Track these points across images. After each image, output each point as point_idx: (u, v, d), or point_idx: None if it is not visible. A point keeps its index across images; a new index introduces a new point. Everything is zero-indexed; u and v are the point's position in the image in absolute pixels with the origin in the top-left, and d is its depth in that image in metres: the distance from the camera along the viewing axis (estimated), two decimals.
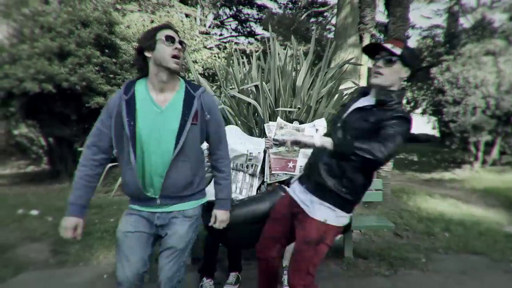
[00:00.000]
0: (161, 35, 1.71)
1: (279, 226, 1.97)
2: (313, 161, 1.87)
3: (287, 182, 3.14)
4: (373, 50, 1.79)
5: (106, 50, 7.42)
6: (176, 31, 1.80)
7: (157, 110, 1.73)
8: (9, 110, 7.32)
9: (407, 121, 1.67)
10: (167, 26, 1.77)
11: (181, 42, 1.76)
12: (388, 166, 5.14)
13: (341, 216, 1.81)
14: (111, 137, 1.73)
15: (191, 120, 1.73)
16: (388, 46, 1.72)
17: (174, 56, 1.71)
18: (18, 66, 6.42)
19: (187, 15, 13.25)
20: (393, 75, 1.75)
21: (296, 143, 1.67)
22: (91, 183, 1.81)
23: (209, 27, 17.93)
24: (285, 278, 2.99)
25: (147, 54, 1.72)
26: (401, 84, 1.80)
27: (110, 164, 6.23)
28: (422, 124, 29.35)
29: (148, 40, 1.71)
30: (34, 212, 5.05)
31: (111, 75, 7.16)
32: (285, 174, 3.17)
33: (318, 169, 1.81)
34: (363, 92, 1.91)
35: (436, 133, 14.49)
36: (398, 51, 1.70)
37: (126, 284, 1.76)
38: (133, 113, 1.69)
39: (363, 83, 8.28)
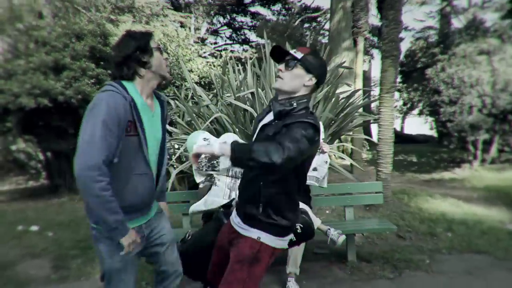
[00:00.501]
0: (153, 43, 1.72)
1: (222, 254, 1.87)
2: (239, 190, 1.84)
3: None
4: (279, 56, 1.72)
5: (101, 62, 7.42)
6: None
7: (150, 114, 1.74)
8: (5, 126, 7.29)
9: (312, 126, 1.55)
10: (153, 34, 1.77)
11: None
12: (388, 168, 5.14)
13: (277, 239, 1.71)
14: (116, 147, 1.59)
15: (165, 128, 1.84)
16: (291, 50, 1.67)
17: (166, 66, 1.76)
18: (13, 81, 6.40)
19: (182, 25, 13.32)
20: (294, 80, 1.65)
21: (198, 156, 1.58)
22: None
23: (204, 36, 18.01)
24: (289, 285, 2.97)
25: (144, 59, 1.68)
26: (308, 94, 1.70)
27: None
28: (420, 125, 29.48)
29: (144, 45, 1.68)
30: (34, 228, 5.01)
31: None
32: None
33: (240, 196, 1.80)
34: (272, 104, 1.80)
35: (433, 133, 14.54)
36: (299, 55, 1.63)
37: None
38: (140, 117, 1.65)
39: (359, 85, 8.32)
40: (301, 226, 2.38)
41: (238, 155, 1.46)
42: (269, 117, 1.73)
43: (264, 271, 1.72)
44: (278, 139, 1.51)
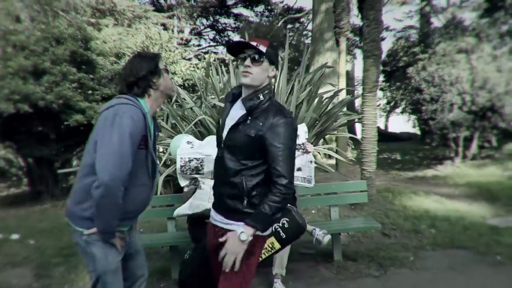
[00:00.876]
0: (161, 65, 1.86)
1: (217, 257, 1.84)
2: (214, 185, 1.84)
3: None
4: (237, 50, 1.74)
5: (83, 66, 7.31)
6: None
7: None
8: None
9: (292, 122, 1.65)
10: (161, 56, 1.92)
11: None
12: (372, 166, 5.19)
13: None
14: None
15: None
16: (254, 43, 1.67)
17: None
18: None
19: (164, 28, 13.21)
20: (262, 74, 1.70)
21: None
22: None
23: (187, 38, 17.92)
24: (275, 286, 2.97)
25: (154, 80, 1.80)
26: (269, 84, 1.76)
27: None
28: (403, 123, 29.91)
29: (154, 68, 1.81)
30: (15, 236, 4.89)
31: (89, 91, 7.05)
32: None
33: (220, 194, 1.78)
34: (232, 99, 1.84)
35: (417, 131, 14.77)
36: (263, 49, 1.67)
37: None
38: (150, 132, 1.81)
39: (342, 85, 8.40)
40: (287, 220, 2.36)
41: (264, 224, 1.65)
42: (236, 113, 1.74)
43: (258, 260, 1.80)
44: (275, 165, 1.61)
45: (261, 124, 1.63)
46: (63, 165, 8.01)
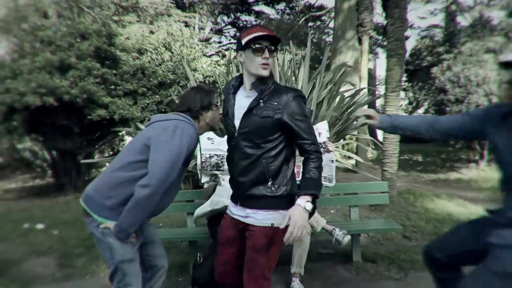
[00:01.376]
0: (214, 100, 2.05)
1: (230, 248, 1.88)
2: (233, 176, 1.84)
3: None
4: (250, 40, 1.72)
5: (106, 62, 7.44)
6: None
7: None
8: (12, 125, 7.35)
9: (303, 97, 1.74)
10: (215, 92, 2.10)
11: None
12: (393, 168, 5.10)
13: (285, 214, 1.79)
14: None
15: None
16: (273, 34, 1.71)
17: None
18: (19, 80, 6.45)
19: (186, 25, 13.31)
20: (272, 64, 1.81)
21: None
22: None
23: (208, 35, 18.03)
24: (293, 285, 2.96)
25: (203, 113, 2.02)
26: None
27: None
28: None
29: (207, 104, 2.01)
30: (40, 226, 5.04)
31: (111, 87, 7.18)
32: None
33: (241, 183, 1.78)
34: (234, 91, 1.85)
35: None
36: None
37: None
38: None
39: (364, 84, 8.28)
40: None
41: (319, 190, 1.70)
42: (243, 102, 1.77)
43: (281, 248, 1.82)
44: (303, 137, 1.69)
45: (276, 103, 1.68)
46: (85, 158, 8.20)
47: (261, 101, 1.70)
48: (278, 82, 4.31)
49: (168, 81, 7.70)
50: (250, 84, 1.76)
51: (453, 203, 5.59)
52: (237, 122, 1.76)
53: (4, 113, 6.76)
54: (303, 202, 1.62)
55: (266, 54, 1.68)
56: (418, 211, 5.00)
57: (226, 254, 1.89)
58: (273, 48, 1.71)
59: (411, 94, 15.57)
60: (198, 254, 2.60)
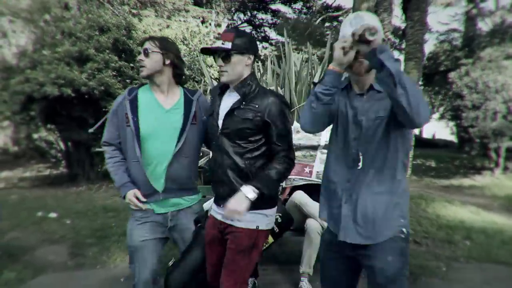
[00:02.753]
0: None
1: (215, 250, 1.88)
2: (217, 177, 1.83)
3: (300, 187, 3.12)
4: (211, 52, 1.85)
5: (123, 55, 7.52)
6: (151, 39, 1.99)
7: (160, 108, 1.97)
8: (29, 115, 7.48)
9: (285, 103, 1.77)
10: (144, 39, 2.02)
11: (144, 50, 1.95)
12: (406, 172, 5.04)
13: (270, 215, 1.83)
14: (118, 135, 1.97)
15: (191, 120, 1.95)
16: (218, 44, 1.74)
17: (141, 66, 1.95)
18: (38, 70, 6.56)
19: (203, 21, 13.36)
20: (237, 67, 1.75)
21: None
22: (123, 165, 1.98)
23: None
24: (302, 285, 2.96)
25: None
26: (252, 70, 1.84)
27: None
28: (439, 129, 28.83)
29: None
30: (53, 215, 5.13)
31: (127, 80, 7.25)
32: (301, 179, 3.14)
33: (224, 183, 1.79)
34: (220, 92, 1.90)
35: (453, 138, 14.22)
36: (228, 45, 1.71)
37: (142, 286, 1.95)
38: (136, 111, 1.92)
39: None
40: (280, 215, 2.51)
41: (268, 189, 1.72)
42: (228, 103, 1.80)
43: (259, 253, 1.86)
44: (278, 141, 1.75)
45: (257, 106, 1.72)
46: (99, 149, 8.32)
47: (243, 102, 1.74)
48: (293, 82, 4.30)
49: (184, 76, 7.74)
50: (233, 86, 1.81)
51: (465, 210, 5.51)
52: (220, 122, 1.80)
53: (22, 102, 6.88)
54: (247, 190, 1.66)
55: (219, 62, 1.75)
56: (430, 217, 4.94)
57: (215, 253, 1.89)
58: (224, 55, 1.73)
59: (427, 99, 15.36)
60: (172, 258, 2.50)
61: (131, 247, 1.96)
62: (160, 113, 1.94)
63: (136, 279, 1.96)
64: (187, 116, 1.96)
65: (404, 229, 1.58)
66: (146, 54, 1.91)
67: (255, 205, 1.71)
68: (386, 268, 1.55)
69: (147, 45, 1.93)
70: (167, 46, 1.96)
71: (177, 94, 2.03)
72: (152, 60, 1.92)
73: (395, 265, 1.55)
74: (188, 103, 2.00)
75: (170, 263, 2.37)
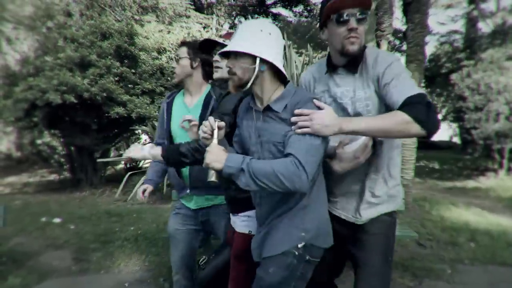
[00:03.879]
0: None
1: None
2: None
3: None
4: (209, 46, 1.97)
5: (126, 61, 7.55)
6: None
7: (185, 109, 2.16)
8: (32, 121, 7.51)
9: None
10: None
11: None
12: (409, 174, 5.03)
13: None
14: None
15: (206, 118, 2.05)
16: (220, 40, 1.92)
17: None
18: (41, 77, 6.59)
19: (204, 26, 13.42)
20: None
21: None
22: (158, 164, 2.25)
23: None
24: None
25: None
26: None
27: (130, 172, 6.24)
28: (441, 131, 28.75)
29: None
30: (57, 220, 5.14)
31: (130, 85, 7.28)
32: None
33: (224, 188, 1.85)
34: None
35: (457, 140, 14.17)
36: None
37: (175, 270, 2.21)
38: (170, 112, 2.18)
39: None
40: None
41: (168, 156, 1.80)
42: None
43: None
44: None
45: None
46: (102, 155, 8.34)
47: None
48: (295, 85, 4.30)
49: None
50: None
51: (470, 212, 5.49)
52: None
53: (25, 109, 6.92)
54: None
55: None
56: (434, 219, 4.93)
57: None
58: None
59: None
60: (203, 257, 2.52)
61: (168, 233, 2.24)
62: (184, 112, 2.08)
63: (171, 261, 2.23)
64: (203, 114, 2.06)
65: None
66: (177, 60, 2.10)
67: (241, 208, 1.74)
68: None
69: (178, 51, 2.10)
70: (194, 49, 2.08)
71: (202, 92, 2.15)
72: (181, 66, 2.08)
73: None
74: (207, 101, 2.10)
75: (201, 261, 2.45)
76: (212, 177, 1.42)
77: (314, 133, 1.35)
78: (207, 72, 2.13)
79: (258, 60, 1.40)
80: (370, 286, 1.61)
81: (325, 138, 1.39)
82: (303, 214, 1.48)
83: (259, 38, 1.43)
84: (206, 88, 2.17)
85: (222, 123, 1.50)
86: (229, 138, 1.69)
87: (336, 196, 1.69)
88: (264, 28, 1.45)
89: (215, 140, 1.46)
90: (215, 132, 1.47)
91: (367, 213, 1.64)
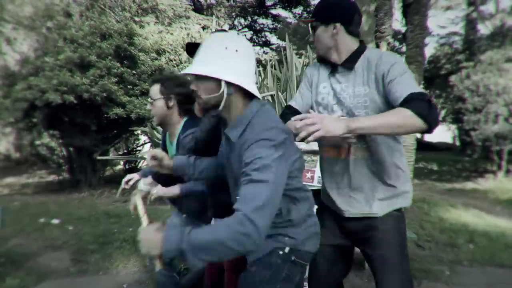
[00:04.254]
0: None
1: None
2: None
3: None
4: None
5: (125, 61, 7.56)
6: None
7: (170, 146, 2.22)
8: (31, 121, 7.51)
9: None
10: None
11: None
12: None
13: None
14: None
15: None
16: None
17: None
18: (41, 77, 6.59)
19: (203, 27, 13.44)
20: None
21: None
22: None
23: None
24: None
25: None
26: None
27: (129, 173, 6.25)
28: (440, 132, 28.77)
29: None
30: (55, 221, 5.13)
31: (129, 86, 7.29)
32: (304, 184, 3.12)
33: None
34: None
35: (456, 141, 14.18)
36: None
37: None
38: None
39: None
40: None
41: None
42: None
43: None
44: None
45: None
46: (101, 155, 8.33)
47: None
48: (294, 86, 4.31)
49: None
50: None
51: (468, 213, 5.49)
52: None
53: (25, 110, 6.91)
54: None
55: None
56: (432, 220, 4.93)
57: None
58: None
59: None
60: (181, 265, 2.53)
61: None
62: (170, 150, 2.14)
63: None
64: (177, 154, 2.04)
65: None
66: (151, 103, 1.96)
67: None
68: None
69: (151, 92, 1.96)
70: (168, 88, 1.93)
71: (179, 130, 2.02)
72: (156, 108, 1.95)
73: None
74: (179, 140, 1.99)
75: (184, 266, 2.45)
76: (157, 266, 1.18)
77: (326, 135, 1.29)
78: (185, 109, 1.97)
79: (223, 84, 1.26)
80: (394, 284, 1.60)
81: (278, 171, 1.19)
82: (287, 228, 1.44)
83: (224, 57, 1.27)
84: (180, 126, 2.02)
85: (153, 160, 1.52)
86: (209, 148, 1.63)
87: (347, 193, 1.67)
88: (229, 44, 1.28)
89: (144, 222, 1.30)
90: (140, 208, 1.33)
91: (381, 208, 1.64)
